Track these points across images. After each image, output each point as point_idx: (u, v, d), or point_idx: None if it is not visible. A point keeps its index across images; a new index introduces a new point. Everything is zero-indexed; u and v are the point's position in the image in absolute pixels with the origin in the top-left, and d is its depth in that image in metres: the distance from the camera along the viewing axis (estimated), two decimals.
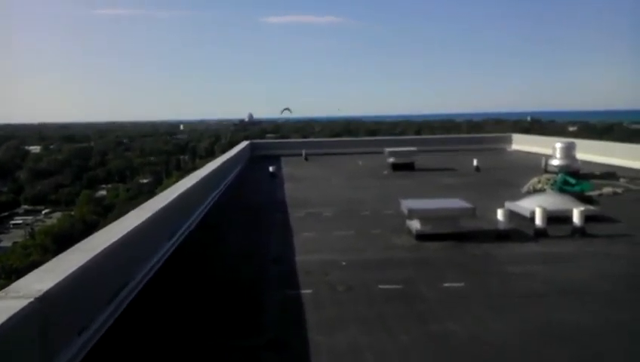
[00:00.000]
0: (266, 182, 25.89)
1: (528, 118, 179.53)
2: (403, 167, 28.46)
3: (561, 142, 23.48)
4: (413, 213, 13.69)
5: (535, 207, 14.60)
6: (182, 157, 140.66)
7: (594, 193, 18.74)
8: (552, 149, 23.81)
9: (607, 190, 19.19)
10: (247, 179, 27.65)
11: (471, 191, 21.08)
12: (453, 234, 13.41)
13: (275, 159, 35.01)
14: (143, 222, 10.52)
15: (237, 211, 18.80)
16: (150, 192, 74.52)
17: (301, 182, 25.68)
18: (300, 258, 12.21)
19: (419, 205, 14.06)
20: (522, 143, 38.68)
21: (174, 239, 13.08)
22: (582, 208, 13.58)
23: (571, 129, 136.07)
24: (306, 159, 35.98)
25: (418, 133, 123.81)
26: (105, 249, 8.20)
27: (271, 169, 27.53)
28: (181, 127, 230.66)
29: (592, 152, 27.36)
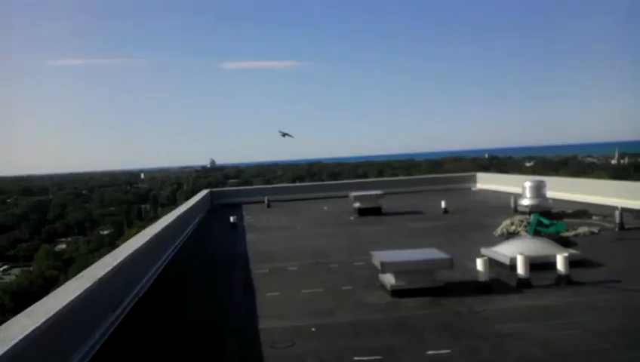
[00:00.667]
0: (227, 233, 24.47)
1: (486, 155, 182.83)
2: (369, 211, 27.47)
3: (531, 181, 22.93)
4: (386, 267, 12.54)
5: (514, 253, 13.69)
6: (143, 206, 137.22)
7: (569, 234, 18.03)
8: (521, 188, 23.25)
9: (583, 230, 18.50)
10: (206, 232, 26.15)
11: (442, 236, 20.18)
12: (431, 289, 12.30)
13: (237, 207, 33.64)
14: (80, 295, 9.06)
15: (194, 269, 17.34)
16: (111, 244, 71.87)
17: (264, 232, 24.35)
18: (263, 325, 10.83)
19: (392, 257, 12.93)
20: (487, 182, 38.33)
21: (119, 310, 11.55)
22: (565, 254, 12.67)
23: (528, 164, 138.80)
24: (269, 206, 34.70)
25: (380, 173, 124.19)
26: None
27: (232, 219, 26.12)
28: (141, 175, 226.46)
29: (561, 189, 26.96)
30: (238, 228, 25.56)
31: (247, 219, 29.20)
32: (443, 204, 26.98)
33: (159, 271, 16.33)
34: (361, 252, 16.77)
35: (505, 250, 14.64)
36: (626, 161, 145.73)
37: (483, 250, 15.24)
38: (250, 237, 22.83)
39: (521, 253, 13.06)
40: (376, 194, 28.60)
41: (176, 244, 20.36)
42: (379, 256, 12.95)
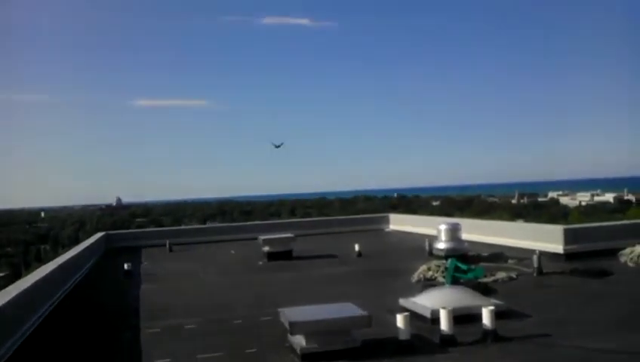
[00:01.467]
0: (119, 283, 21.83)
1: (395, 195, 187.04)
2: (280, 255, 25.74)
3: (446, 224, 22.21)
4: (295, 328, 10.85)
5: (435, 305, 12.52)
6: (43, 246, 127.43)
7: (488, 279, 17.20)
8: (435, 230, 22.51)
9: (501, 275, 17.77)
10: (95, 282, 23.28)
11: (356, 283, 18.85)
12: (347, 351, 10.74)
13: (135, 252, 30.79)
14: None
15: (73, 330, 14.77)
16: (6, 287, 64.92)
17: (162, 281, 21.94)
18: None
19: (302, 315, 11.27)
20: (400, 223, 37.81)
21: None
22: (491, 307, 11.56)
23: (435, 203, 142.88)
24: (171, 250, 32.08)
25: (293, 212, 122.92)
26: None
27: (126, 266, 23.43)
28: (42, 214, 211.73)
29: (475, 232, 26.57)
30: (132, 276, 22.95)
31: (145, 265, 26.57)
32: (357, 247, 25.77)
33: (28, 333, 13.70)
34: (269, 304, 15.04)
35: (425, 301, 13.41)
36: (525, 200, 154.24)
37: (402, 301, 13.97)
38: (145, 288, 20.38)
39: (442, 305, 11.88)
40: (287, 237, 26.98)
41: (53, 300, 17.54)
42: (287, 314, 11.25)
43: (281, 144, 35.29)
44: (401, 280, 18.39)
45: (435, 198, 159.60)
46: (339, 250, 27.62)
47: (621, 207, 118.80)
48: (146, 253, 30.95)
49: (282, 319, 11.44)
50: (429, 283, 17.11)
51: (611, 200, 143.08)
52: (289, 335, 11.28)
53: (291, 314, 11.32)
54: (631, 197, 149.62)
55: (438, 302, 12.86)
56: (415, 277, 18.33)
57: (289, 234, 27.49)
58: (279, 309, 11.97)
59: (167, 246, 32.39)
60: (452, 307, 12.06)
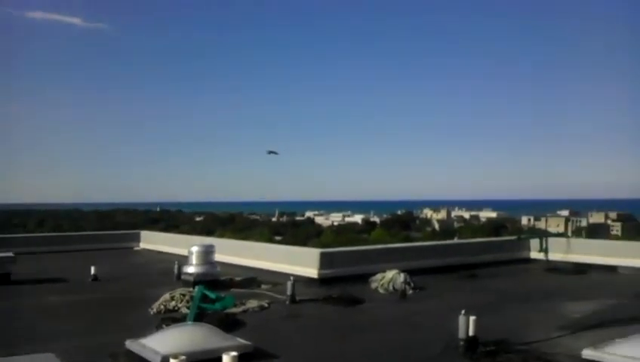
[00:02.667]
0: None
1: (158, 209, 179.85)
2: None
3: (198, 246, 19.94)
4: None
5: (168, 348, 10.18)
6: None
7: (238, 309, 15.35)
8: (187, 253, 20.11)
9: (252, 304, 16.04)
10: None
11: (82, 315, 15.49)
12: None
13: None
14: None
15: None
16: None
17: None
18: None
19: None
20: (152, 241, 34.35)
21: None
22: (234, 353, 9.54)
23: (198, 219, 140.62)
24: None
25: (41, 224, 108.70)
26: None
27: None
28: None
29: (231, 253, 24.80)
30: None
31: None
32: (93, 270, 21.97)
33: None
34: None
35: (156, 344, 10.86)
36: (284, 218, 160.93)
37: (128, 344, 11.25)
38: None
39: (177, 349, 9.62)
40: (5, 257, 21.97)
41: None
42: None
43: (272, 153, 30.85)
44: (139, 312, 15.54)
45: (199, 214, 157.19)
46: (72, 272, 23.36)
47: (367, 228, 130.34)
48: None
49: None
50: (169, 317, 14.61)
51: (360, 221, 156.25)
52: None
53: None
54: (376, 219, 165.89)
55: (173, 345, 10.51)
56: (154, 308, 15.63)
57: (8, 254, 22.44)
58: None
59: None
60: (188, 351, 9.86)
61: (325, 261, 20.95)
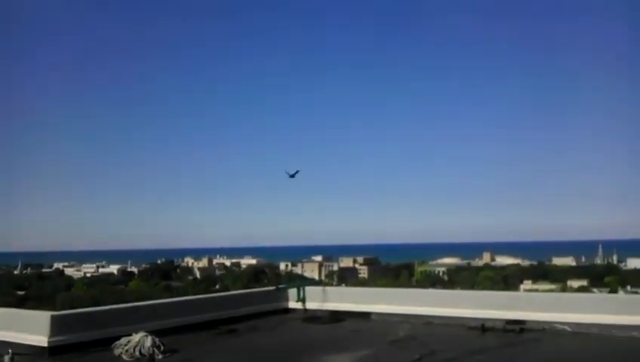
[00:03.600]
0: None
1: None
2: None
3: None
4: None
5: None
6: None
7: None
8: None
9: None
10: None
11: None
12: None
13: None
14: None
15: None
16: None
17: None
18: None
19: None
20: None
21: None
22: None
23: None
24: None
25: None
26: None
27: None
28: None
29: None
30: None
31: None
32: None
33: None
34: None
35: None
36: (29, 271, 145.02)
37: None
38: None
39: None
40: None
41: None
42: None
43: (296, 172, 25.44)
44: None
45: None
46: None
47: (124, 279, 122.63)
48: None
49: None
50: None
51: (115, 271, 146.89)
52: None
53: None
54: (134, 269, 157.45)
55: None
56: None
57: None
58: None
59: None
60: None
61: (58, 325, 17.49)
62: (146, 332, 17.21)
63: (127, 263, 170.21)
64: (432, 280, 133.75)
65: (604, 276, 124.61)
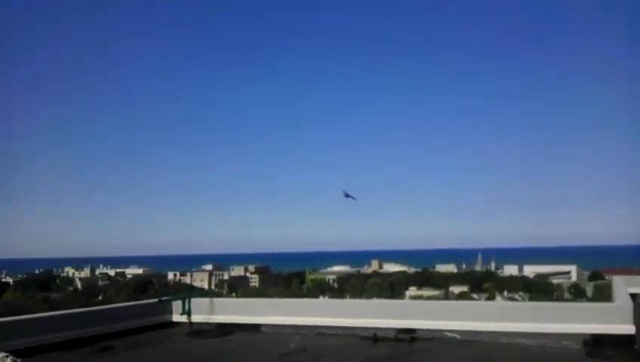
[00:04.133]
0: None
1: None
2: None
3: None
4: None
5: None
6: None
7: None
8: None
9: None
10: None
11: None
12: None
13: None
14: None
15: None
16: None
17: None
18: None
19: None
20: None
21: None
22: None
23: None
24: None
25: None
26: None
27: None
28: None
29: None
30: None
31: None
32: None
33: None
34: None
35: None
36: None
37: None
38: None
39: None
40: None
41: None
42: None
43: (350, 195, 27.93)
44: None
45: None
46: None
47: None
48: None
49: None
50: None
51: None
52: None
53: None
54: (9, 280, 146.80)
55: None
56: None
57: None
58: None
59: None
60: None
61: None
62: (5, 352, 15.09)
63: (1, 273, 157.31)
64: (322, 288, 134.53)
65: (483, 282, 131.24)
